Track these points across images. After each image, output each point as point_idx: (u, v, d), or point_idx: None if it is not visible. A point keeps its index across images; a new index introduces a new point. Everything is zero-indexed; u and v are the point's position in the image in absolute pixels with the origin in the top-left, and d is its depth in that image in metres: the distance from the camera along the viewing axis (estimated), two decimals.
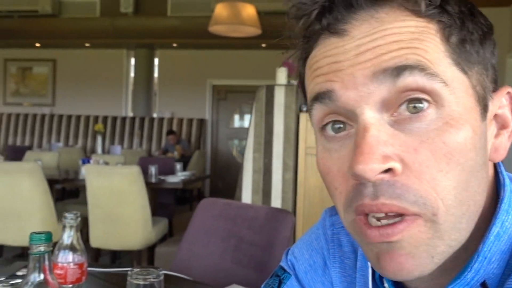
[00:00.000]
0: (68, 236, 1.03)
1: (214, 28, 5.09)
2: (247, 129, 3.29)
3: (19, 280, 0.79)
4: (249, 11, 4.89)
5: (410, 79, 0.42)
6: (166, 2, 8.06)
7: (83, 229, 3.65)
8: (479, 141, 0.44)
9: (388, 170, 0.42)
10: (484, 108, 0.46)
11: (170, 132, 7.89)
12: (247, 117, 9.12)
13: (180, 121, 8.80)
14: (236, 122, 9.25)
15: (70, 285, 1.02)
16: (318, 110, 0.48)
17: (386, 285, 0.55)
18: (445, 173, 0.42)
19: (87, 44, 8.93)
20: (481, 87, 0.46)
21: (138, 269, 0.90)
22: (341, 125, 0.47)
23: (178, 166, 4.89)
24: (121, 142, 8.87)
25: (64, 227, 1.03)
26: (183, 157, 7.33)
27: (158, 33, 7.93)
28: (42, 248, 0.77)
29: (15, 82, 9.77)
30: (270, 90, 3.19)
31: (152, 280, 0.89)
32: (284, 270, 0.71)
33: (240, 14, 4.82)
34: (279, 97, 3.16)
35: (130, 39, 8.31)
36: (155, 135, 8.81)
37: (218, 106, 9.15)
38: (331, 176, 0.48)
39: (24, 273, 1.29)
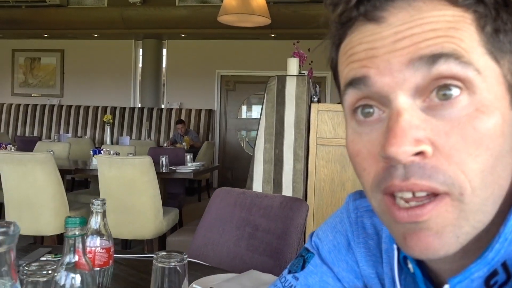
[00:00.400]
0: (95, 222, 1.07)
1: (223, 18, 5.05)
2: (258, 119, 3.30)
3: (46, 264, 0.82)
4: (259, 0, 4.86)
5: (445, 67, 0.43)
6: None
7: None
8: (507, 128, 0.45)
9: (419, 153, 0.43)
10: None
11: (179, 121, 7.91)
12: (255, 108, 9.12)
13: (189, 111, 8.82)
14: (245, 112, 9.25)
15: (98, 268, 1.06)
16: (352, 94, 0.49)
17: (410, 265, 0.57)
18: (474, 157, 0.43)
19: (95, 35, 8.95)
20: (511, 76, 0.47)
21: (163, 253, 0.93)
22: (370, 110, 0.48)
23: (189, 156, 4.91)
24: (130, 133, 8.91)
25: (91, 213, 1.07)
26: (192, 148, 7.35)
27: (166, 23, 7.93)
28: (76, 232, 0.80)
29: (23, 73, 9.81)
30: (281, 80, 3.19)
31: (176, 263, 0.92)
32: (308, 251, 0.74)
33: (250, 3, 4.78)
34: (291, 87, 3.16)
35: (139, 29, 8.32)
36: (164, 126, 8.83)
37: (227, 96, 9.15)
38: (360, 158, 0.50)
39: (48, 258, 1.33)
